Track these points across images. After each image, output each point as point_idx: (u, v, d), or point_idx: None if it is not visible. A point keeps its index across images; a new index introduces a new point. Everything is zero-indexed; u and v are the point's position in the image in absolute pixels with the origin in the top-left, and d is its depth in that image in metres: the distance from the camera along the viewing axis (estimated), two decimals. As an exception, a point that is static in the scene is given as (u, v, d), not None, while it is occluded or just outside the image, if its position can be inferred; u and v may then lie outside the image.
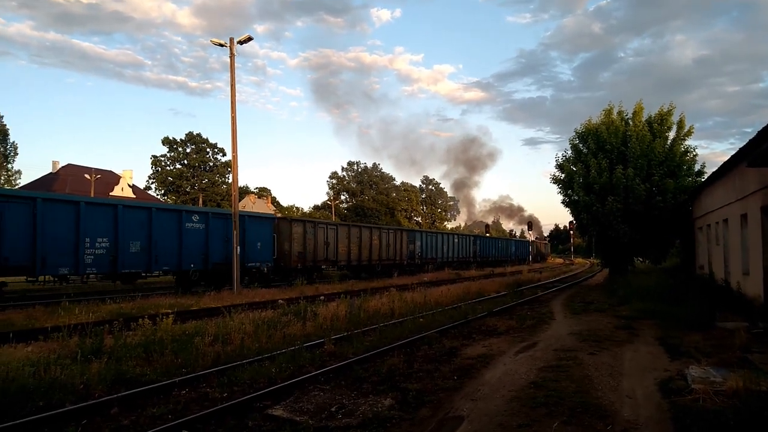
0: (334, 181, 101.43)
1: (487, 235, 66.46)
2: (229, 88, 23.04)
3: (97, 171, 61.69)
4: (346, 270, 33.20)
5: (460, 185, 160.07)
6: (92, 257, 18.15)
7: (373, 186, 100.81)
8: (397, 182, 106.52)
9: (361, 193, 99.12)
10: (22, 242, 16.28)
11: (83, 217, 17.90)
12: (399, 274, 35.66)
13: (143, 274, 20.86)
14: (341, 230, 31.29)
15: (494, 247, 58.59)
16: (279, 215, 31.40)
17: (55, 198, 18.92)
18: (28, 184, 61.77)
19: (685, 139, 25.41)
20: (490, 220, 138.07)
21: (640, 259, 31.08)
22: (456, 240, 48.11)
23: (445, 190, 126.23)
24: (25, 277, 18.15)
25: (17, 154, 59.22)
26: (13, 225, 16.04)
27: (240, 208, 24.58)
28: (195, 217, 22.23)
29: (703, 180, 22.93)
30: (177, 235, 21.12)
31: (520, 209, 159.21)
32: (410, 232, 40.67)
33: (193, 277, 22.32)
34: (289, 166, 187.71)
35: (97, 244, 18.31)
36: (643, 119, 25.96)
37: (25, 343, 10.17)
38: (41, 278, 17.82)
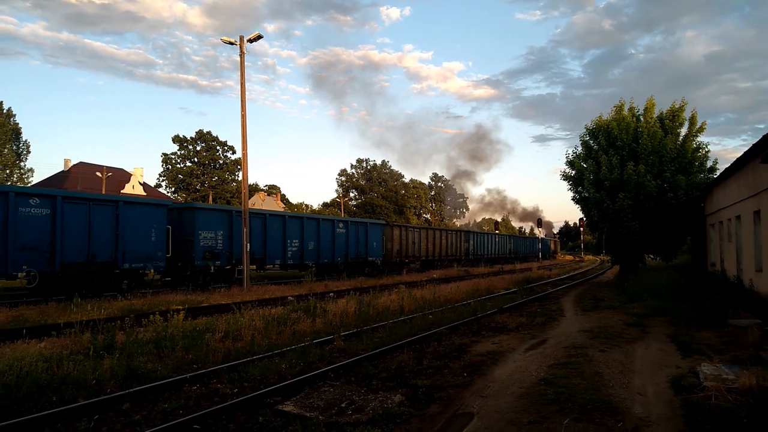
0: (343, 179, 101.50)
1: (497, 232, 67.75)
2: (239, 87, 23.14)
3: (109, 169, 62.05)
4: (419, 264, 39.43)
5: (462, 176, 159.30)
6: (290, 253, 26.38)
7: (382, 183, 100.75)
8: (406, 179, 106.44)
9: (370, 190, 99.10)
10: (258, 243, 24.49)
11: (287, 225, 26.19)
12: (458, 266, 43.27)
13: (311, 265, 28.40)
14: (422, 232, 39.96)
15: (524, 245, 69.13)
16: (384, 221, 38.21)
17: (274, 213, 27.22)
18: (41, 182, 62.32)
19: (697, 136, 25.14)
20: (480, 217, 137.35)
21: (651, 256, 30.82)
22: (497, 239, 57.82)
23: (454, 186, 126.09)
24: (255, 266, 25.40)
25: (30, 152, 59.71)
26: (255, 231, 24.18)
27: (249, 206, 24.86)
28: (341, 225, 30.46)
29: (715, 176, 22.70)
30: (331, 237, 29.35)
31: (515, 205, 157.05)
32: (466, 233, 49.42)
33: (341, 267, 30.07)
34: (298, 163, 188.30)
35: (293, 244, 26.53)
36: (655, 115, 25.71)
37: (38, 339, 10.27)
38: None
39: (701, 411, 6.13)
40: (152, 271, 20.72)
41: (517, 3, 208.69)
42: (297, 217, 27.86)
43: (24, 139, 58.38)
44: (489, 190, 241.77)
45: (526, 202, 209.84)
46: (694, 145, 24.99)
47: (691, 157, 24.59)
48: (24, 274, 16.24)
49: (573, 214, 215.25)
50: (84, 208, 17.98)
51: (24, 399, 6.51)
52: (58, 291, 17.34)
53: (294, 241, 26.51)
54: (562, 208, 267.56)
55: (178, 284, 21.30)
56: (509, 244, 60.91)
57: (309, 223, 27.81)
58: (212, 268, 22.19)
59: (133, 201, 20.50)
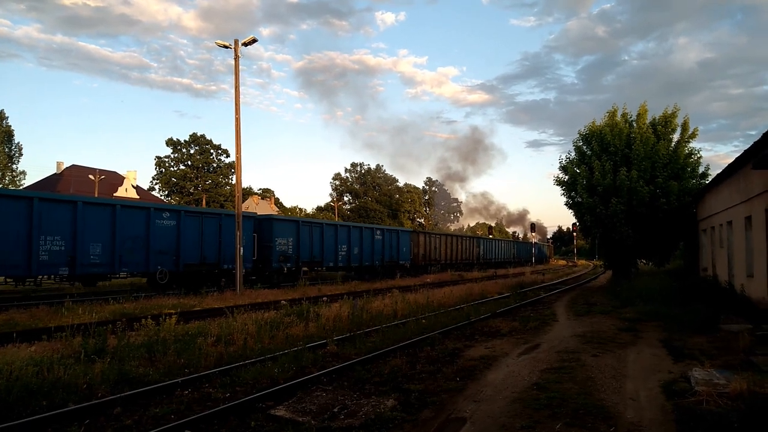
0: (337, 183, 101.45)
1: (490, 237, 68.68)
2: (233, 90, 23.12)
3: (101, 172, 61.81)
4: (440, 266, 43.02)
5: (453, 177, 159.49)
6: (340, 257, 30.47)
7: (376, 187, 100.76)
8: (400, 183, 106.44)
9: (364, 194, 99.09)
10: (317, 248, 28.79)
11: (338, 233, 30.57)
12: (469, 270, 46.27)
13: (354, 267, 32.48)
14: (442, 238, 44.84)
15: (524, 250, 73.67)
16: (412, 229, 43.42)
17: (329, 223, 31.90)
18: (33, 184, 61.94)
19: (689, 142, 25.33)
20: (473, 222, 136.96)
21: (644, 261, 30.98)
22: (503, 245, 64.01)
23: (448, 191, 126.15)
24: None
25: (22, 154, 59.27)
26: (315, 238, 28.60)
27: (243, 209, 24.81)
28: (378, 232, 34.96)
29: (707, 182, 22.86)
30: (371, 243, 33.53)
31: (499, 210, 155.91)
32: (477, 240, 54.40)
33: (378, 269, 34.03)
34: (292, 167, 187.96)
35: (342, 249, 30.66)
36: (647, 121, 25.89)
37: (28, 343, 10.17)
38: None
39: (693, 416, 6.16)
40: (245, 269, 23.97)
41: (511, 9, 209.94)
42: (345, 226, 32.22)
43: (16, 141, 58.04)
44: (474, 195, 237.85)
45: (516, 207, 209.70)
46: (687, 151, 25.16)
47: (683, 163, 24.75)
48: (158, 272, 20.43)
49: (566, 219, 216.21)
50: (198, 220, 22.38)
51: (14, 403, 6.45)
52: (179, 286, 21.42)
53: (343, 246, 30.78)
54: (555, 213, 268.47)
55: (261, 282, 25.13)
56: (513, 249, 67.07)
57: (354, 231, 32.24)
58: (285, 269, 26.36)
59: (231, 214, 24.29)
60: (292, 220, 28.47)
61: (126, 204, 20.18)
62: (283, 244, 26.24)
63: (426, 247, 40.84)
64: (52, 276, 17.76)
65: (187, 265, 21.53)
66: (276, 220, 26.71)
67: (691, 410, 6.36)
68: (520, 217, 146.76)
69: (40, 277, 17.35)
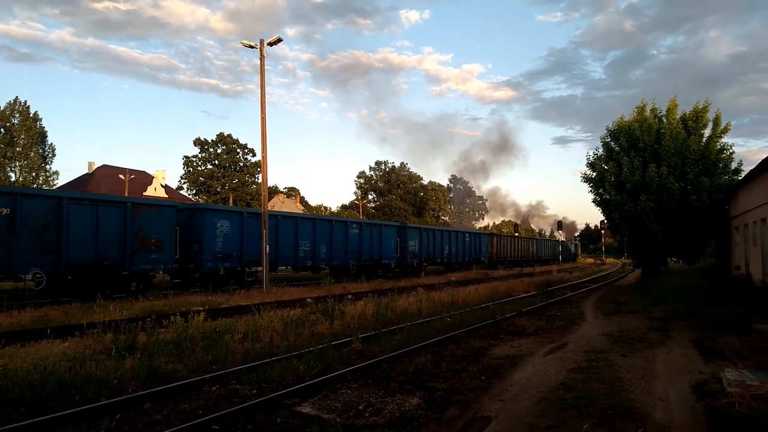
0: (362, 181, 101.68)
1: (516, 234, 68.55)
2: (259, 90, 23.33)
3: (131, 171, 62.99)
4: (507, 262, 51.77)
5: (476, 170, 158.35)
6: (444, 254, 39.37)
7: (401, 185, 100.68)
8: (425, 181, 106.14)
9: (389, 192, 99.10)
10: (432, 248, 37.49)
11: (443, 236, 39.67)
12: (477, 268, 48.86)
13: (450, 262, 40.49)
14: (508, 240, 56.00)
15: (563, 248, 78.73)
16: (489, 232, 53.78)
17: (440, 228, 41.73)
18: (65, 184, 63.45)
19: (721, 137, 24.70)
20: (486, 221, 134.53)
21: (674, 260, 30.36)
22: (549, 244, 75.07)
23: (473, 189, 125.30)
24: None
25: (55, 155, 60.84)
26: (432, 240, 37.69)
27: (269, 208, 25.15)
28: (467, 235, 44.37)
29: (740, 178, 22.27)
30: (462, 243, 42.52)
31: (506, 207, 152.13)
32: (531, 240, 66.49)
33: (467, 263, 42.69)
34: (317, 165, 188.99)
35: (445, 249, 39.51)
36: (677, 116, 25.33)
37: (61, 338, 10.42)
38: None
39: (725, 417, 6.02)
40: (393, 264, 33.30)
41: (537, 5, 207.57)
42: (447, 231, 41.85)
43: (50, 142, 59.43)
44: (482, 193, 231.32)
45: (528, 202, 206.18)
46: (718, 147, 24.55)
47: (715, 159, 24.16)
48: (351, 265, 29.65)
49: (594, 216, 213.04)
50: (369, 228, 31.73)
51: (48, 398, 6.63)
52: (358, 275, 29.12)
53: (446, 246, 39.55)
54: (582, 210, 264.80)
55: (402, 274, 33.02)
56: (558, 248, 75.03)
57: (452, 235, 41.61)
58: (414, 263, 35.24)
59: (385, 224, 34.48)
60: (416, 227, 37.40)
61: (337, 219, 30.57)
62: (413, 246, 34.99)
63: (497, 247, 50.30)
64: (299, 265, 26.95)
65: (365, 260, 30.80)
66: (409, 227, 35.92)
67: (722, 412, 6.23)
68: (533, 212, 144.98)
69: (292, 267, 27.29)
